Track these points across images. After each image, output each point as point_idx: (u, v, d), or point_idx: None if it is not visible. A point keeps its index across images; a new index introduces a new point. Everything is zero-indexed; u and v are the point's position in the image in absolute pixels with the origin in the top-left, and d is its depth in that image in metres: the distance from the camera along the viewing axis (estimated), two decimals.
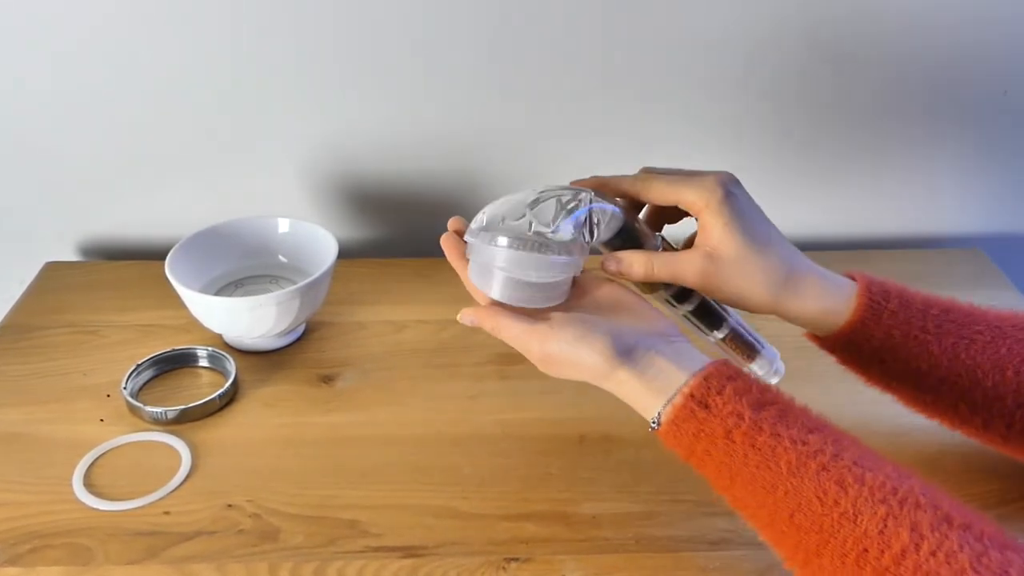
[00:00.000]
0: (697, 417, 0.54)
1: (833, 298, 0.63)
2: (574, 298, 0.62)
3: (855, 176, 1.04)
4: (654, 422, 0.56)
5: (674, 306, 0.67)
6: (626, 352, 0.57)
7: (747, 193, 0.63)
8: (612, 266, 0.62)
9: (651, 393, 0.56)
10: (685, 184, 0.62)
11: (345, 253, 0.89)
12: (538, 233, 0.58)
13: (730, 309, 0.67)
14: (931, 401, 0.65)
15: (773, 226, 0.64)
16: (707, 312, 0.67)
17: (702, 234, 0.61)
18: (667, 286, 0.65)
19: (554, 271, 0.59)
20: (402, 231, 1.04)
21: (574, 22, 0.92)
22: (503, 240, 0.58)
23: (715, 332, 0.68)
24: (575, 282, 0.63)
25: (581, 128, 0.98)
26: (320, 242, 0.88)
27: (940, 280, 0.98)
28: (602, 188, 0.64)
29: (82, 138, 0.97)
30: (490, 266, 0.59)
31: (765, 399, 0.54)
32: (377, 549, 0.66)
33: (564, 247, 0.58)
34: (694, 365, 0.56)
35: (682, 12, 0.92)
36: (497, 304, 0.60)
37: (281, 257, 0.92)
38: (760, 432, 0.52)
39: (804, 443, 0.51)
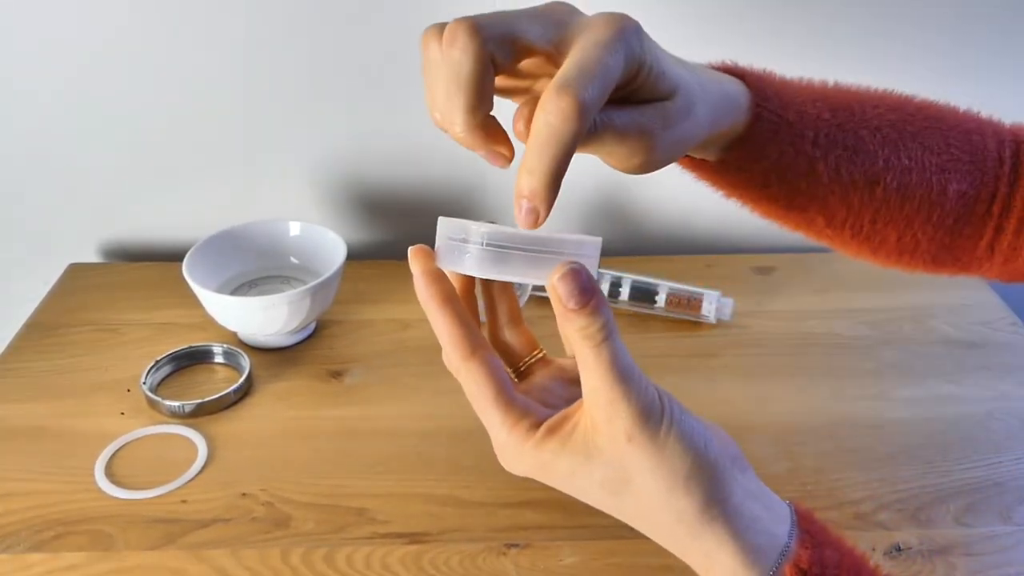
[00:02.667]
0: None
1: (728, 107, 0.49)
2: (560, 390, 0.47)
3: None
4: None
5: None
6: (722, 483, 0.41)
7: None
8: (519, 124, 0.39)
9: (744, 554, 0.41)
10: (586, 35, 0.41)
11: (353, 255, 0.90)
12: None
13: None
14: (793, 216, 0.55)
15: None
16: (640, 289, 0.56)
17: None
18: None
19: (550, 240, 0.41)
20: (408, 234, 1.02)
21: None
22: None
23: (656, 300, 0.61)
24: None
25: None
26: (330, 244, 0.89)
27: (920, 280, 0.97)
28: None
29: (104, 146, 0.98)
30: (465, 245, 0.41)
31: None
32: (384, 535, 0.67)
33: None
34: (783, 515, 0.43)
35: (672, 22, 0.93)
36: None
37: (293, 259, 0.93)
38: None
39: None
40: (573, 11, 0.41)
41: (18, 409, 0.79)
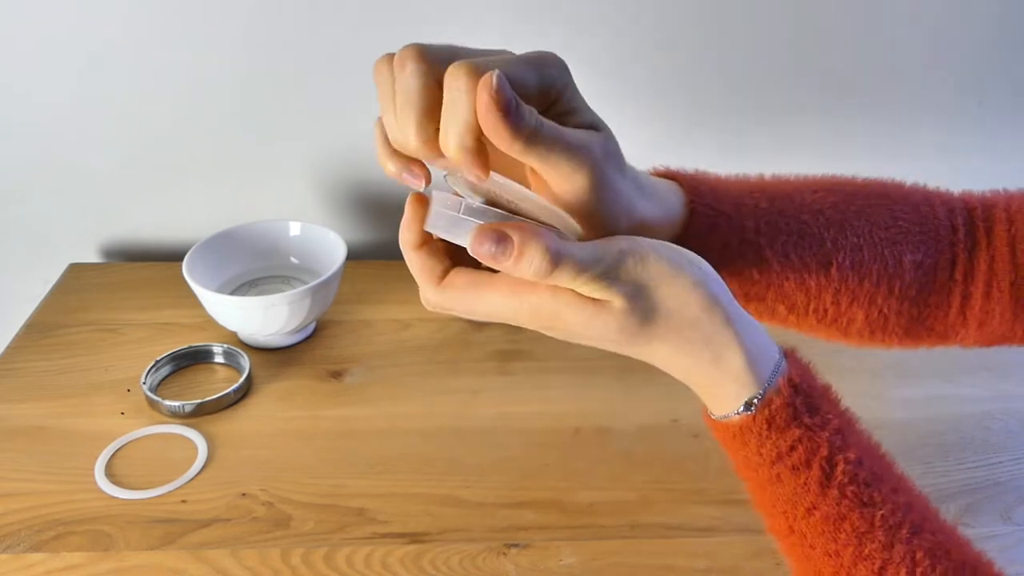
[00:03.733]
0: (802, 423, 0.44)
1: (669, 219, 0.51)
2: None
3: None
4: (748, 406, 0.44)
5: None
6: (717, 287, 0.44)
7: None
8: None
9: (749, 355, 0.44)
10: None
11: (353, 255, 0.90)
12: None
13: None
14: (752, 308, 0.55)
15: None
16: None
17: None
18: None
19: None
20: None
21: (571, 29, 0.93)
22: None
23: None
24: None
25: None
26: (329, 244, 0.89)
27: None
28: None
29: (104, 146, 0.98)
30: (459, 206, 0.42)
31: (849, 412, 0.47)
32: (384, 535, 0.67)
33: None
34: (768, 342, 0.46)
35: (670, 20, 0.93)
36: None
37: (293, 259, 0.94)
38: (861, 467, 0.44)
39: (895, 492, 0.45)
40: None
41: (18, 409, 0.80)
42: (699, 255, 0.49)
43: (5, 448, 0.75)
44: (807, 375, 0.46)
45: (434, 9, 0.92)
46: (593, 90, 0.49)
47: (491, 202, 0.43)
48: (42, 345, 0.88)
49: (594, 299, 0.42)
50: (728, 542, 0.66)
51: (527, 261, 0.40)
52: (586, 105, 0.46)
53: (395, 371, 0.85)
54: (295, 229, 0.93)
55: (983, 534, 0.67)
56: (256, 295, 0.89)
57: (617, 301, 0.42)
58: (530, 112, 0.40)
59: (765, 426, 0.44)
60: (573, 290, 0.42)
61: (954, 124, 1.01)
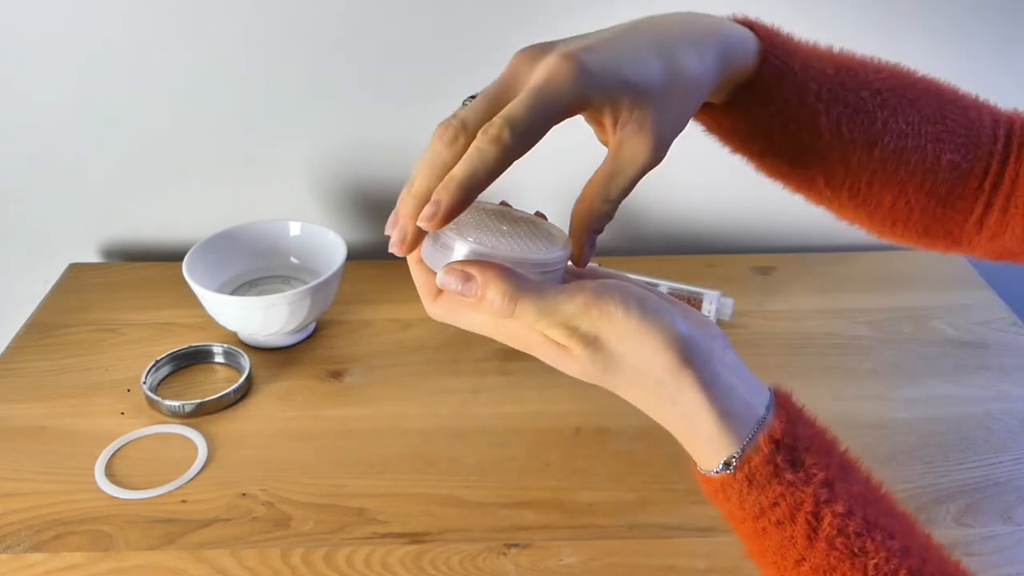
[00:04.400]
0: (783, 479, 0.43)
1: (740, 53, 0.51)
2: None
3: None
4: (728, 464, 0.44)
5: None
6: (693, 347, 0.44)
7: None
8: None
9: (721, 419, 0.44)
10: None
11: (353, 255, 0.90)
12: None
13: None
14: (795, 174, 0.57)
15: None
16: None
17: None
18: None
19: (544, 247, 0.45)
20: None
21: (565, 36, 0.93)
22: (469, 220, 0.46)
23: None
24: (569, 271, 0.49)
25: (571, 130, 0.99)
26: (329, 244, 0.89)
27: (919, 280, 0.99)
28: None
29: (104, 146, 0.98)
30: (452, 244, 0.44)
31: (844, 458, 0.45)
32: (384, 535, 0.67)
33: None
34: (761, 391, 0.46)
35: None
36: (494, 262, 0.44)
37: (292, 259, 0.94)
38: (851, 517, 0.43)
39: (891, 538, 0.44)
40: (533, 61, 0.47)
41: (18, 409, 0.80)
42: (761, 105, 0.53)
43: (5, 448, 0.75)
44: (794, 427, 0.45)
45: (439, 7, 0.92)
46: None
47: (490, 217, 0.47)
48: (42, 345, 0.88)
49: (558, 343, 0.44)
50: (728, 542, 0.66)
51: (488, 302, 0.43)
52: (626, 83, 0.46)
53: (395, 371, 0.85)
54: (295, 229, 0.93)
55: (983, 534, 0.67)
56: (256, 295, 0.89)
57: (577, 350, 0.44)
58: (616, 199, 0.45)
59: (745, 483, 0.44)
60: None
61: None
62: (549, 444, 0.76)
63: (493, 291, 0.43)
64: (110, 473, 0.73)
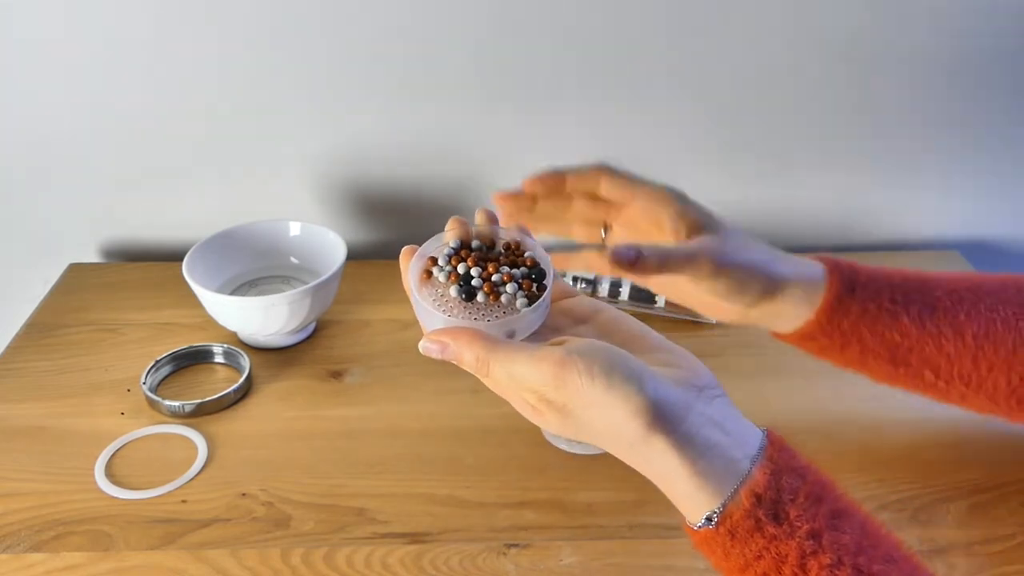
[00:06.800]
0: (765, 533, 0.43)
1: (808, 279, 0.61)
2: (567, 326, 0.51)
3: (840, 181, 1.05)
4: (709, 520, 0.44)
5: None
6: (665, 410, 0.44)
7: None
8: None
9: (698, 478, 0.44)
10: (642, 182, 0.60)
11: (353, 255, 0.90)
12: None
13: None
14: (903, 373, 0.63)
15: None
16: (641, 289, 0.67)
17: (680, 226, 0.59)
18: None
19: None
20: (407, 233, 1.01)
21: (566, 35, 0.93)
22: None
23: (657, 300, 0.68)
24: (561, 310, 0.52)
25: (572, 132, 1.00)
26: (329, 244, 0.89)
27: None
28: (554, 180, 0.61)
29: (104, 146, 0.98)
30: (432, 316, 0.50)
31: (836, 506, 0.45)
32: (384, 535, 0.67)
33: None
34: (749, 442, 0.46)
35: (672, 22, 0.93)
36: (469, 326, 0.48)
37: (292, 259, 0.94)
38: (840, 568, 0.43)
39: None
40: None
41: (18, 409, 0.80)
42: (843, 315, 0.60)
43: (5, 448, 0.75)
44: (779, 479, 0.44)
45: (439, 7, 0.92)
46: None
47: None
48: (42, 345, 0.88)
49: (535, 409, 0.47)
50: None
51: (467, 365, 0.47)
52: (705, 214, 0.59)
53: (395, 371, 0.85)
54: (295, 229, 0.93)
55: (983, 534, 0.67)
56: (256, 295, 0.89)
57: (548, 414, 0.46)
58: (638, 254, 0.53)
59: (728, 537, 0.44)
60: None
61: None
62: (549, 444, 0.76)
63: (467, 356, 0.47)
64: (110, 473, 0.73)
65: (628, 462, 0.48)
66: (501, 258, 0.52)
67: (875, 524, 0.46)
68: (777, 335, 0.65)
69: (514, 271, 0.50)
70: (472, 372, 0.47)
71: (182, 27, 0.92)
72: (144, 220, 1.04)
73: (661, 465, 0.45)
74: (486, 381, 0.48)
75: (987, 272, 0.64)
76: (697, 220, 0.59)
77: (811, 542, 0.43)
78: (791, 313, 0.61)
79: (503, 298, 0.49)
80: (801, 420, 0.78)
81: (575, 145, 1.00)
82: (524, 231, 0.53)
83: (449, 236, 0.53)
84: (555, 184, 0.61)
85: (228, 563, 0.65)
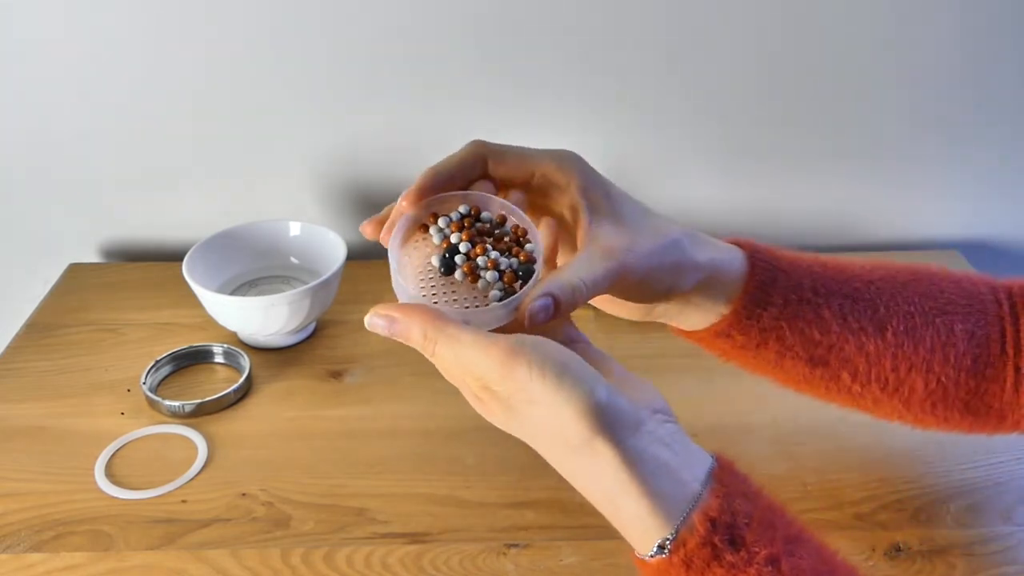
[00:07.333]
0: (723, 561, 0.41)
1: (724, 267, 0.53)
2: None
3: (839, 181, 1.05)
4: (662, 548, 0.41)
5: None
6: (615, 417, 0.42)
7: None
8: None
9: (648, 499, 0.41)
10: (539, 152, 0.52)
11: (353, 255, 0.90)
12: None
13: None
14: (819, 376, 0.56)
15: None
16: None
17: (585, 206, 0.50)
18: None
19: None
20: None
21: (566, 35, 0.93)
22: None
23: None
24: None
25: (572, 133, 1.00)
26: (330, 244, 0.89)
27: None
28: (434, 183, 0.51)
29: (104, 147, 0.99)
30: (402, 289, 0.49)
31: (790, 531, 0.43)
32: (384, 535, 0.67)
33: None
34: (698, 464, 0.43)
35: (672, 21, 0.93)
36: (423, 304, 0.46)
37: (293, 259, 0.94)
38: None
39: None
40: None
41: (18, 409, 0.80)
42: (763, 308, 0.54)
43: (5, 448, 0.75)
44: (732, 502, 0.42)
45: (438, 7, 0.92)
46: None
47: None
48: (42, 345, 0.88)
49: (479, 400, 0.45)
50: None
51: (414, 342, 0.45)
52: (604, 187, 0.52)
53: (395, 371, 0.85)
54: (295, 229, 0.93)
55: (983, 534, 0.67)
56: (256, 295, 0.89)
57: (491, 404, 0.44)
58: (555, 305, 0.45)
59: (683, 568, 0.41)
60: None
61: None
62: None
63: (416, 332, 0.44)
64: (110, 473, 0.73)
65: (568, 474, 0.45)
66: (504, 240, 0.49)
67: (829, 550, 0.44)
68: (682, 333, 0.58)
69: (502, 259, 0.48)
70: (420, 350, 0.45)
71: (182, 27, 0.92)
72: (144, 220, 1.04)
73: (607, 480, 0.42)
74: (435, 362, 0.46)
75: (898, 262, 0.59)
76: (598, 199, 0.50)
77: (770, 568, 0.41)
78: (705, 306, 0.55)
79: (479, 283, 0.47)
80: (801, 419, 0.78)
81: (575, 145, 0.99)
82: (533, 230, 0.50)
83: (461, 202, 0.50)
84: (438, 187, 0.52)
85: (228, 563, 0.65)
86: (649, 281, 0.50)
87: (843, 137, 1.01)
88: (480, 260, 0.48)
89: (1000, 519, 0.69)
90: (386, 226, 0.52)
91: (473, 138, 0.52)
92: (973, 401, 0.56)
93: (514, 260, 0.48)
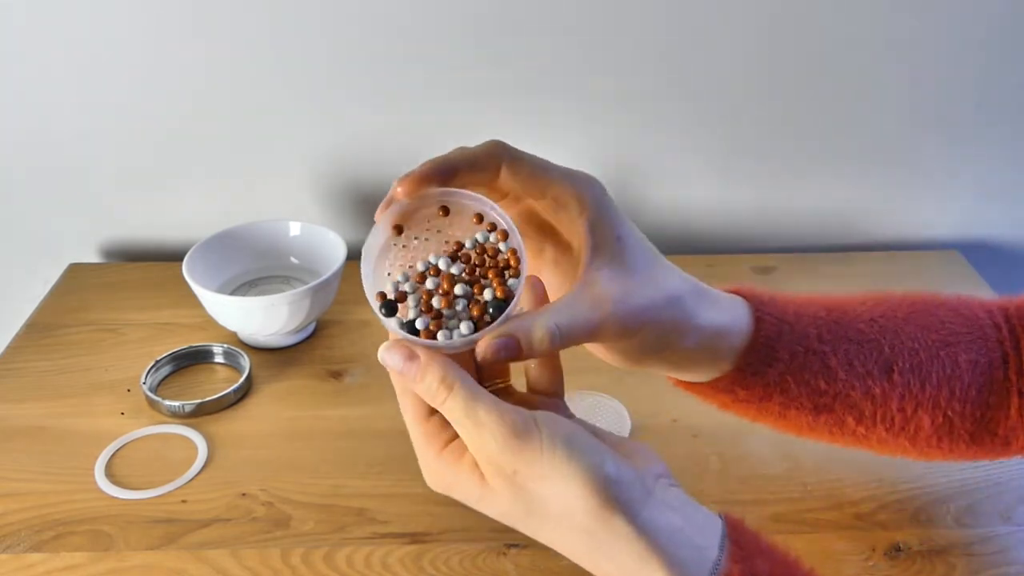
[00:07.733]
0: None
1: (728, 323, 0.51)
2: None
3: (839, 181, 1.05)
4: None
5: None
6: (625, 490, 0.41)
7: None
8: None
9: (668, 569, 0.40)
10: (558, 170, 0.47)
11: (353, 255, 0.90)
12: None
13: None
14: (823, 422, 0.55)
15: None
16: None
17: (590, 243, 0.46)
18: None
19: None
20: None
21: (566, 36, 0.93)
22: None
23: None
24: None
25: (572, 133, 1.00)
26: (329, 244, 0.89)
27: (918, 281, 0.99)
28: (438, 176, 0.46)
29: (104, 146, 0.99)
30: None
31: None
32: (384, 535, 0.67)
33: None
34: (710, 528, 0.42)
35: (672, 22, 0.93)
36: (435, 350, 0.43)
37: (293, 259, 0.94)
38: None
39: None
40: None
41: (18, 409, 0.80)
42: (768, 364, 0.52)
43: (5, 448, 0.75)
44: (752, 564, 0.41)
45: (438, 7, 0.92)
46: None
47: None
48: (42, 345, 0.88)
49: (482, 477, 0.43)
50: None
51: (425, 384, 0.42)
52: (616, 224, 0.47)
53: None
54: (295, 229, 0.93)
55: (983, 534, 0.67)
56: (256, 295, 0.89)
57: (495, 481, 0.42)
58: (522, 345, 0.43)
59: None
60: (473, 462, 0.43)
61: None
62: None
63: (431, 375, 0.42)
64: (110, 473, 0.73)
65: (580, 555, 0.42)
66: (489, 263, 0.46)
67: None
68: (680, 384, 0.56)
69: (470, 290, 0.45)
70: (425, 394, 0.43)
71: (182, 27, 0.92)
72: (144, 220, 1.04)
73: (624, 556, 0.40)
74: (441, 409, 0.43)
75: (899, 293, 0.58)
76: (605, 238, 0.47)
77: None
78: (705, 363, 0.53)
79: (445, 313, 0.44)
80: None
81: (576, 145, 1.00)
82: (523, 258, 0.46)
83: (467, 201, 0.46)
84: (441, 181, 0.47)
85: (228, 563, 0.65)
86: (641, 336, 0.47)
87: (843, 137, 1.02)
88: (447, 312, 0.45)
89: (1000, 519, 0.69)
90: (380, 207, 0.48)
91: (473, 138, 0.50)
92: (978, 431, 0.55)
93: (490, 290, 0.45)
